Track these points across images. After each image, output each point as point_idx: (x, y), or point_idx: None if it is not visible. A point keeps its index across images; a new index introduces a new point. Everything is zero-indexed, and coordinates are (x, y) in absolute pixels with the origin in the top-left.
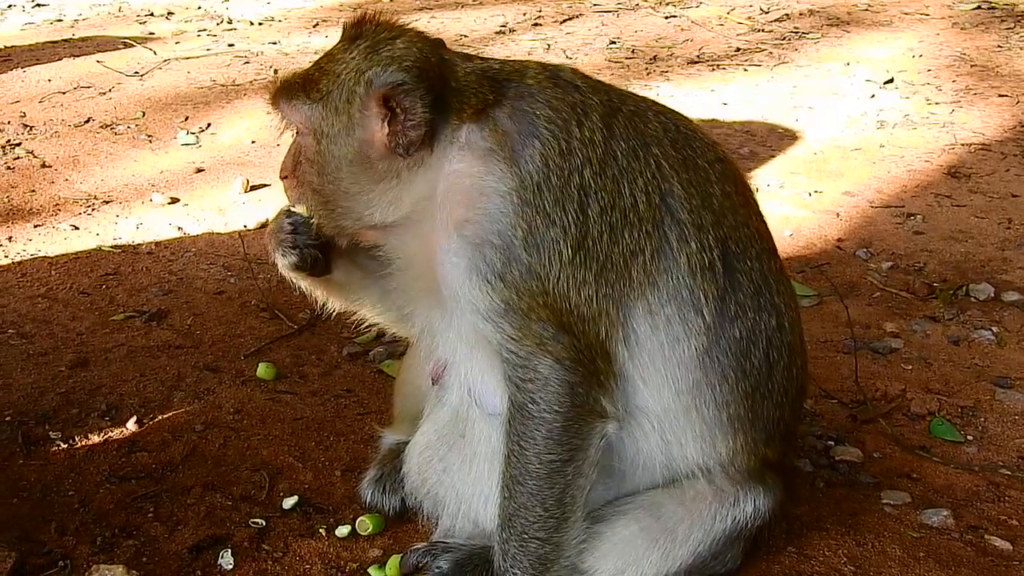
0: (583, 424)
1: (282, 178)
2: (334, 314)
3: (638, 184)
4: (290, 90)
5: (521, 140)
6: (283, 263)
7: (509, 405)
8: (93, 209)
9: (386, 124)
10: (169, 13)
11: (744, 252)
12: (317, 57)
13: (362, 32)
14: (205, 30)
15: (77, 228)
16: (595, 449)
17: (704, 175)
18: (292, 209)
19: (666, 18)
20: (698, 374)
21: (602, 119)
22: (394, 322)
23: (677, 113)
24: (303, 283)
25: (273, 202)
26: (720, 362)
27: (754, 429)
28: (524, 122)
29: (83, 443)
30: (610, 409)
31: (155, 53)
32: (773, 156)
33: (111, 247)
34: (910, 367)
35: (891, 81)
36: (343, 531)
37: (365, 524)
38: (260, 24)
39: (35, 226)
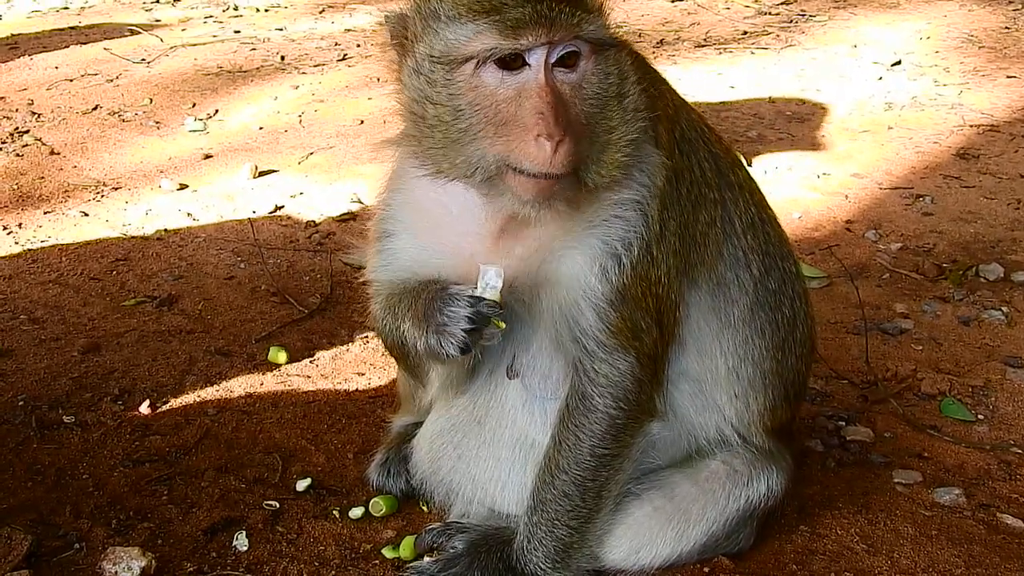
0: (638, 422)
1: (558, 142)
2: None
3: (700, 154)
4: (575, 8)
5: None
6: (456, 350)
7: (571, 395)
8: (102, 195)
9: None
10: (175, 0)
11: (763, 205)
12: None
13: None
14: (211, 17)
15: (87, 214)
16: (638, 447)
17: (719, 138)
18: (475, 294)
19: (672, 1)
20: (745, 332)
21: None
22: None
23: None
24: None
25: (282, 188)
26: (760, 317)
27: (782, 384)
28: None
29: (97, 427)
30: (659, 407)
31: (162, 40)
32: (781, 139)
33: (121, 233)
34: (920, 347)
35: (899, 63)
36: (356, 513)
37: (379, 506)
38: (266, 11)
39: (45, 213)
